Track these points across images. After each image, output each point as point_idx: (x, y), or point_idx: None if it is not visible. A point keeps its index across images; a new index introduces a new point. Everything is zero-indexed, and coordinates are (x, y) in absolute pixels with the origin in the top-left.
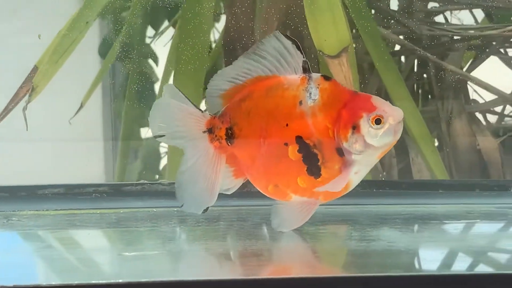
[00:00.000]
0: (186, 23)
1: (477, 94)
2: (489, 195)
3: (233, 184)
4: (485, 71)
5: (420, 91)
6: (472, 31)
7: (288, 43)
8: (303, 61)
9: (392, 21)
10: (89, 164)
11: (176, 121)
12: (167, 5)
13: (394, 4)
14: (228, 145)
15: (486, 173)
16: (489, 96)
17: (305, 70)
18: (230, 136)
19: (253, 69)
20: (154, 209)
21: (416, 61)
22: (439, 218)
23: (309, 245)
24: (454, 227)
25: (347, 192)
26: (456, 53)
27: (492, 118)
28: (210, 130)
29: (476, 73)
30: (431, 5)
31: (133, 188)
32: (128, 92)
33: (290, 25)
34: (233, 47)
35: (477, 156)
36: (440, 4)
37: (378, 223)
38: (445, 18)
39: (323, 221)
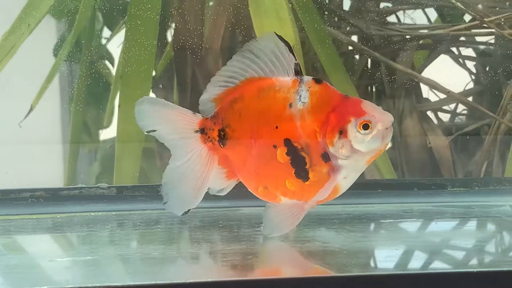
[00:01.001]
0: (132, 26)
1: (433, 93)
2: (426, 193)
3: (225, 185)
4: (437, 70)
5: (373, 90)
6: (422, 31)
7: (282, 44)
8: (295, 63)
9: (342, 21)
10: (45, 167)
11: (166, 118)
12: (116, 8)
13: (346, 5)
14: (221, 146)
15: (437, 171)
16: (442, 95)
17: (297, 72)
18: (222, 137)
19: (246, 70)
20: (92, 214)
21: (369, 61)
22: (376, 218)
23: (243, 247)
24: (389, 226)
25: (337, 197)
26: (407, 53)
27: (444, 117)
28: (202, 130)
29: (428, 72)
30: (383, 5)
31: (70, 192)
32: (77, 94)
33: (239, 26)
34: (183, 50)
35: (428, 155)
36: (392, 4)
37: (315, 224)
38: (398, 18)
39: (260, 223)
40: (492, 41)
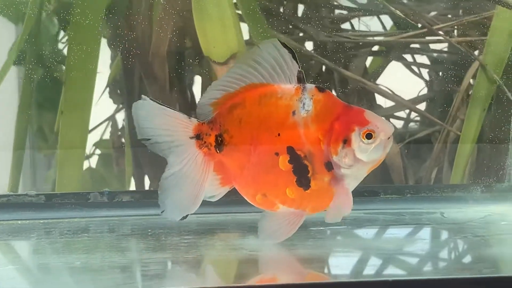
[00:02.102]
0: (75, 29)
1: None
2: (359, 200)
3: (218, 191)
4: (392, 77)
5: None
6: (372, 38)
7: (285, 51)
8: (298, 71)
9: (293, 28)
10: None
11: (161, 125)
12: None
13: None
14: (217, 152)
15: (388, 177)
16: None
17: (300, 80)
18: (219, 143)
19: (248, 76)
20: (19, 222)
21: (323, 67)
22: (307, 225)
23: (167, 256)
24: (318, 234)
25: None
26: (359, 59)
27: (397, 123)
28: (198, 136)
29: (384, 79)
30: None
31: None
32: (23, 99)
33: (186, 32)
34: (130, 55)
35: None
36: (346, 11)
37: (245, 232)
38: (351, 25)
39: (189, 231)
40: (446, 49)
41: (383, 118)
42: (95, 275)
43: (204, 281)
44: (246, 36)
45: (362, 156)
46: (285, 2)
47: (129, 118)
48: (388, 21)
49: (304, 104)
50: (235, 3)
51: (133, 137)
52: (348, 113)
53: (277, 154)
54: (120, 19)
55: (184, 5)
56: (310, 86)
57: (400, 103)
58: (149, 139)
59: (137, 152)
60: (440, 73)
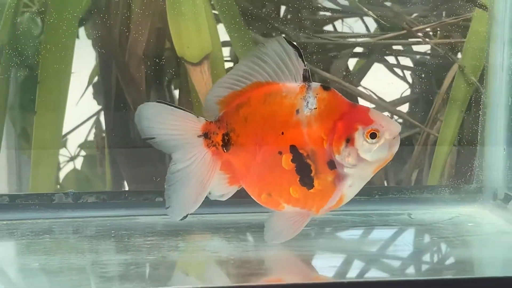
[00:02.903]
0: (50, 29)
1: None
2: None
3: (227, 191)
4: (375, 78)
5: None
6: (355, 40)
7: (290, 49)
8: (304, 69)
9: (272, 29)
10: None
11: (168, 124)
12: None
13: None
14: (224, 151)
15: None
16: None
17: (305, 78)
18: (226, 142)
19: (253, 74)
20: None
21: None
22: None
23: (128, 257)
24: None
25: (342, 205)
26: (340, 61)
27: None
28: (205, 135)
29: (365, 81)
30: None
31: None
32: None
33: (164, 32)
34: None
35: None
36: (328, 12)
37: (210, 233)
38: (334, 27)
39: (153, 232)
40: (429, 51)
41: (388, 117)
42: (52, 277)
43: (162, 283)
44: (225, 37)
45: (366, 156)
46: (265, 3)
47: (107, 119)
48: (372, 24)
49: (308, 102)
50: (212, 4)
51: (111, 139)
52: (352, 112)
53: (280, 153)
54: (97, 19)
55: (162, 5)
56: (315, 85)
57: (380, 105)
58: (154, 138)
59: (114, 153)
60: (423, 75)
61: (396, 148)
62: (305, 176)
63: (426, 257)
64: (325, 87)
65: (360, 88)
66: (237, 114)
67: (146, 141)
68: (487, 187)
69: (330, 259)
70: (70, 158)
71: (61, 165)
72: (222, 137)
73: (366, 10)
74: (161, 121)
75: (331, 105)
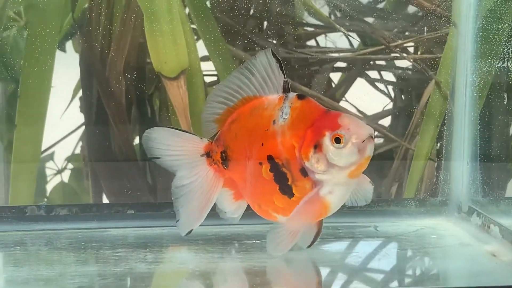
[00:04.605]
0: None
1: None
2: None
3: (235, 206)
4: (358, 93)
5: None
6: (338, 54)
7: (273, 61)
8: (284, 81)
9: (252, 43)
10: None
11: (173, 146)
12: None
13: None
14: (224, 168)
15: None
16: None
17: (285, 90)
18: (224, 159)
19: (243, 88)
20: None
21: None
22: (241, 239)
23: (95, 269)
24: (250, 247)
25: (331, 214)
26: (320, 76)
27: None
28: (208, 154)
29: (351, 95)
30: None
31: None
32: None
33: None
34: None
35: None
36: (311, 28)
37: (178, 245)
38: (316, 42)
39: (122, 245)
40: (410, 66)
41: (359, 120)
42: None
43: None
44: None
45: (336, 161)
46: (246, 19)
47: (88, 133)
48: (356, 39)
49: (282, 112)
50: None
51: (92, 152)
52: (323, 119)
53: (260, 163)
54: (79, 34)
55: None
56: (291, 95)
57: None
58: (159, 158)
59: (94, 166)
60: (403, 90)
61: (369, 151)
62: (284, 185)
63: (387, 268)
64: (300, 96)
65: (342, 102)
66: (230, 131)
67: (151, 160)
68: (452, 200)
69: (296, 273)
70: (57, 171)
71: (48, 178)
72: (220, 155)
73: (338, 26)
74: (167, 143)
75: (304, 113)
